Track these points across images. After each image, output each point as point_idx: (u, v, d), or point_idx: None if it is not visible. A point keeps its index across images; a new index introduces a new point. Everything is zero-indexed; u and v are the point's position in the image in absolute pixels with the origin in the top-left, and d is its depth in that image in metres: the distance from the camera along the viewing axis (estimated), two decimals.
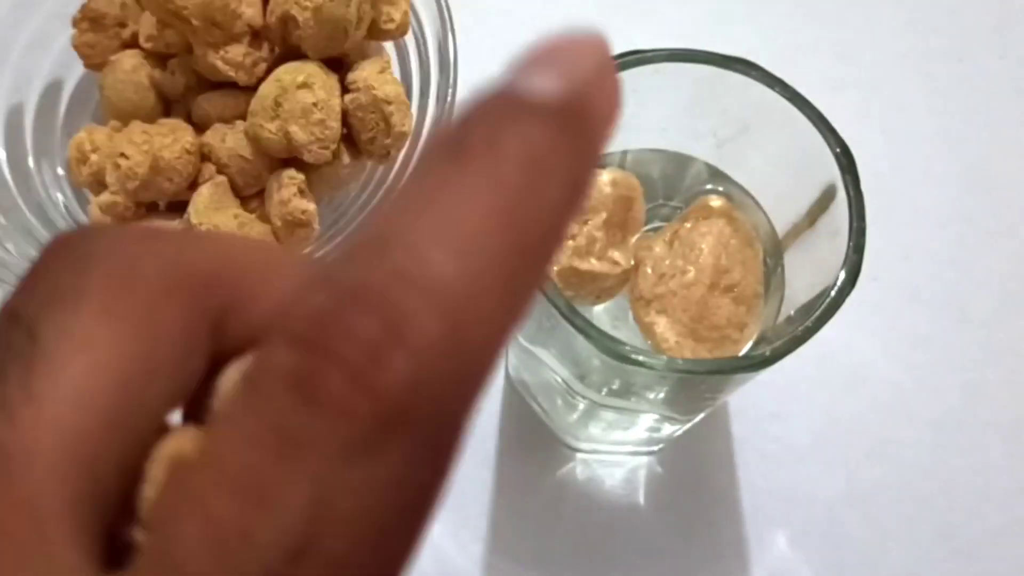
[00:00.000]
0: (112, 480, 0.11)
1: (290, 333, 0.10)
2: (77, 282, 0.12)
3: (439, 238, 0.10)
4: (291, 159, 0.33)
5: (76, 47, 0.36)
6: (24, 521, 0.10)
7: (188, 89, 0.35)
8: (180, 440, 0.12)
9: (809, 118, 0.24)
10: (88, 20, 0.35)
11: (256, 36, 0.34)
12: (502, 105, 0.12)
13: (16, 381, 0.11)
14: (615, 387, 0.27)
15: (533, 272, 0.11)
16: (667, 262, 0.26)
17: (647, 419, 0.30)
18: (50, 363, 0.11)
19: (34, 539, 0.10)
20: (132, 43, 0.35)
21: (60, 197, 0.37)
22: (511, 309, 0.11)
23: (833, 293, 0.22)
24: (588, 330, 0.22)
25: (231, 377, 0.13)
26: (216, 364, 0.13)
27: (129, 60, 0.34)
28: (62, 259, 0.12)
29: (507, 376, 0.36)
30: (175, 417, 0.13)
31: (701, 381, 0.23)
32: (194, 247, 0.13)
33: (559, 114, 0.11)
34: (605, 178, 0.26)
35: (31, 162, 0.37)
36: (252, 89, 0.33)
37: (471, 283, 0.10)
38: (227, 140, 0.33)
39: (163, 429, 0.12)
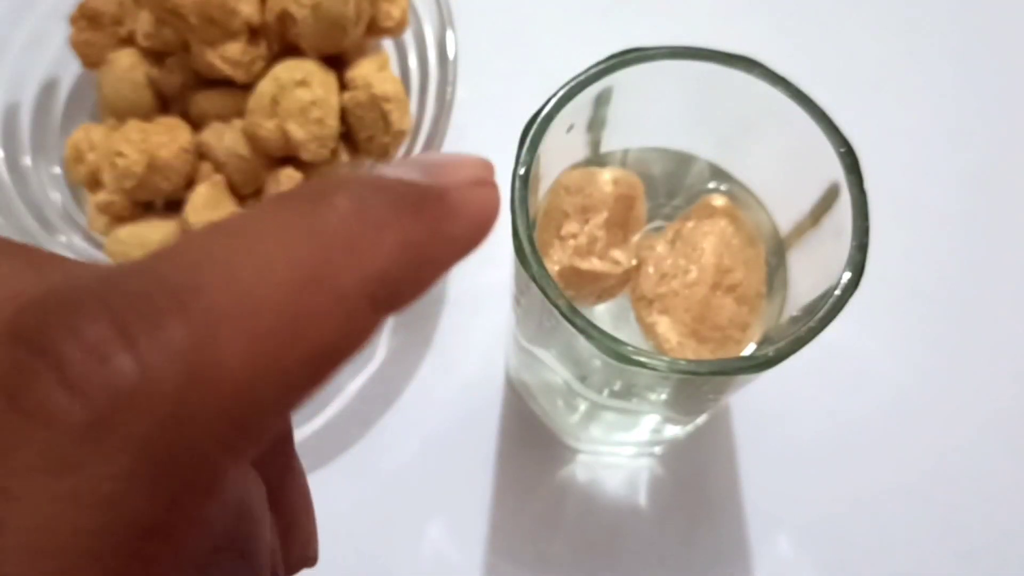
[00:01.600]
0: None
1: (11, 327, 0.09)
2: None
3: (204, 271, 0.09)
4: (289, 158, 0.33)
5: (73, 45, 0.35)
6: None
7: (185, 87, 0.35)
8: None
9: (812, 116, 0.24)
10: (85, 18, 0.35)
11: (254, 34, 0.33)
12: (357, 177, 0.11)
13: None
14: (616, 388, 0.27)
15: (320, 325, 0.10)
16: (669, 262, 0.26)
17: (649, 420, 0.30)
18: None
19: None
20: (129, 41, 0.35)
21: (57, 196, 0.36)
22: (282, 358, 0.09)
23: (837, 293, 0.22)
24: (589, 330, 0.21)
25: None
26: None
27: (126, 58, 0.34)
28: None
29: (507, 377, 0.36)
30: None
31: (703, 382, 0.23)
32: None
33: (409, 188, 0.11)
34: (606, 177, 0.26)
35: (28, 161, 0.36)
36: (250, 87, 0.33)
37: (243, 300, 0.09)
38: (224, 138, 0.33)
39: None
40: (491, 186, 0.12)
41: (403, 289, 0.11)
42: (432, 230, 0.11)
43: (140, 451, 0.08)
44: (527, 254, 0.22)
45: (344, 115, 0.33)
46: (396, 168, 0.12)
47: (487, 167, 0.13)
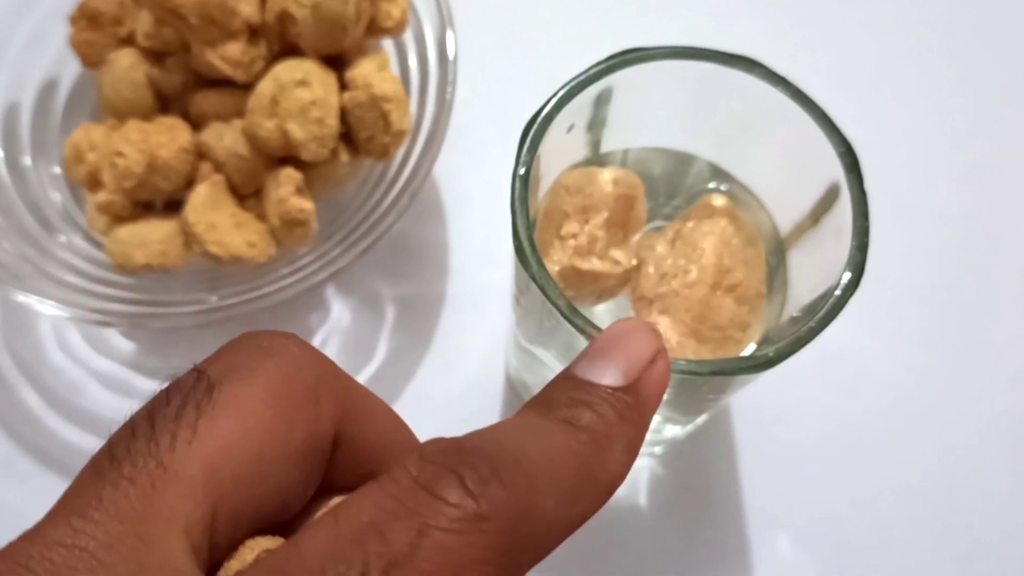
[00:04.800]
0: (223, 526, 0.15)
1: (422, 455, 0.14)
2: (254, 365, 0.16)
3: (524, 448, 0.15)
4: (289, 157, 0.33)
5: (73, 45, 0.36)
6: (161, 525, 0.14)
7: (185, 87, 0.35)
8: (274, 541, 0.15)
9: (812, 116, 0.24)
10: (85, 18, 0.35)
11: (254, 34, 0.33)
12: (578, 387, 0.17)
13: (188, 421, 0.15)
14: None
15: (589, 501, 0.16)
16: (669, 261, 0.26)
17: None
18: (217, 415, 0.15)
19: (164, 538, 0.14)
20: (129, 41, 0.35)
21: (57, 196, 0.36)
22: (570, 515, 0.15)
23: (837, 293, 0.22)
24: (589, 330, 0.21)
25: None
26: (311, 506, 0.17)
27: (126, 58, 0.34)
28: (247, 345, 0.16)
29: (507, 377, 0.36)
30: None
31: (703, 382, 0.23)
32: (342, 378, 0.17)
33: (621, 399, 0.17)
34: (607, 177, 0.26)
35: (28, 161, 0.37)
36: (250, 87, 0.33)
37: (542, 487, 0.15)
38: (224, 138, 0.33)
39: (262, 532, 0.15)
40: (663, 355, 0.18)
41: (626, 474, 0.17)
42: (640, 426, 0.17)
43: (498, 539, 0.14)
44: (527, 254, 0.22)
45: (344, 115, 0.33)
46: (601, 370, 0.17)
47: (656, 335, 0.18)
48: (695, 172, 0.28)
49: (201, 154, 0.34)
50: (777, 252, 0.27)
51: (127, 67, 0.34)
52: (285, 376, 0.16)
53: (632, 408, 0.17)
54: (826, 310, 0.22)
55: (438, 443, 0.15)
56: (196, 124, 0.34)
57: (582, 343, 0.22)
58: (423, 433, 0.39)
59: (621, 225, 0.26)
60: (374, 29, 0.34)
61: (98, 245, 0.35)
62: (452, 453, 0.14)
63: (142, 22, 0.34)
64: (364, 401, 0.18)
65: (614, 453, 0.16)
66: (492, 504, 0.14)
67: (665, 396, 0.26)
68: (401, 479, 0.14)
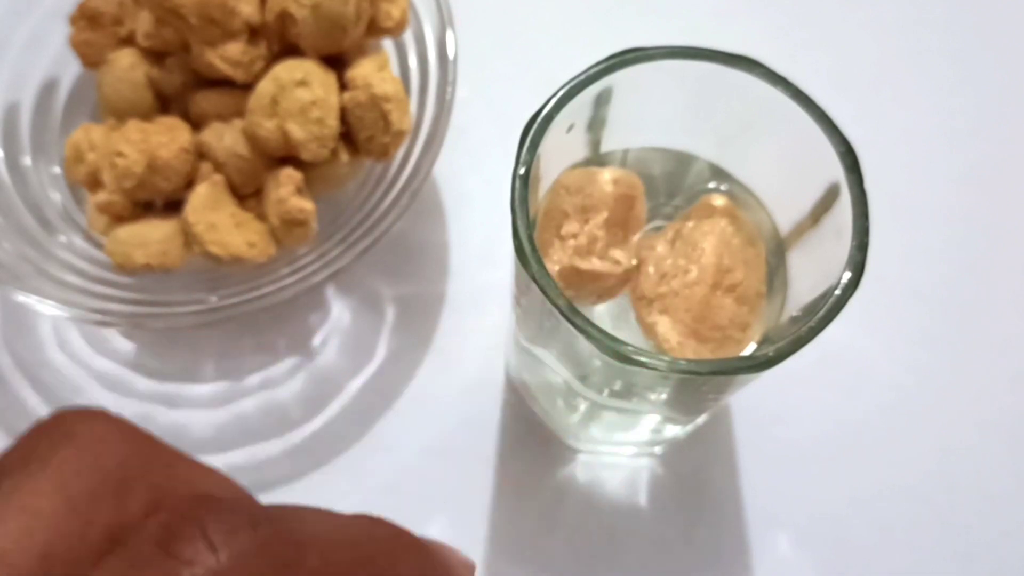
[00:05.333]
0: None
1: (169, 508, 0.13)
2: (49, 455, 0.14)
3: (299, 510, 0.14)
4: (289, 157, 0.33)
5: (73, 45, 0.35)
6: None
7: (185, 87, 0.35)
8: None
9: (813, 116, 0.23)
10: (85, 18, 0.35)
11: (254, 34, 0.33)
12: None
13: None
14: (616, 388, 0.27)
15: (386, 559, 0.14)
16: (669, 261, 0.26)
17: (649, 420, 0.30)
18: None
19: None
20: (129, 41, 0.35)
21: (57, 196, 0.36)
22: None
23: (837, 293, 0.22)
24: (589, 330, 0.21)
25: None
26: None
27: (126, 58, 0.34)
28: (50, 430, 0.15)
29: (507, 377, 0.36)
30: None
31: (703, 382, 0.23)
32: (162, 455, 0.16)
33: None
34: (606, 176, 0.26)
35: (28, 161, 0.37)
36: (250, 87, 0.33)
37: (309, 533, 0.13)
38: (224, 138, 0.33)
39: None
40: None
41: None
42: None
43: None
44: (527, 254, 0.22)
45: (344, 115, 0.33)
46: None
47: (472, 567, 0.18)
48: (695, 172, 0.28)
49: (201, 154, 0.34)
50: (777, 252, 0.27)
51: (127, 67, 0.34)
52: (81, 465, 0.14)
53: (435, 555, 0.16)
54: (826, 310, 0.22)
55: (193, 493, 0.13)
56: (196, 124, 0.34)
57: (582, 343, 0.22)
58: (423, 433, 0.39)
59: (621, 225, 0.26)
60: (374, 29, 0.34)
61: (98, 245, 0.35)
62: (200, 502, 0.13)
63: (142, 22, 0.34)
64: (190, 477, 0.16)
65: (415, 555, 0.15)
66: (237, 556, 0.12)
67: (665, 396, 0.26)
68: (138, 543, 0.12)
